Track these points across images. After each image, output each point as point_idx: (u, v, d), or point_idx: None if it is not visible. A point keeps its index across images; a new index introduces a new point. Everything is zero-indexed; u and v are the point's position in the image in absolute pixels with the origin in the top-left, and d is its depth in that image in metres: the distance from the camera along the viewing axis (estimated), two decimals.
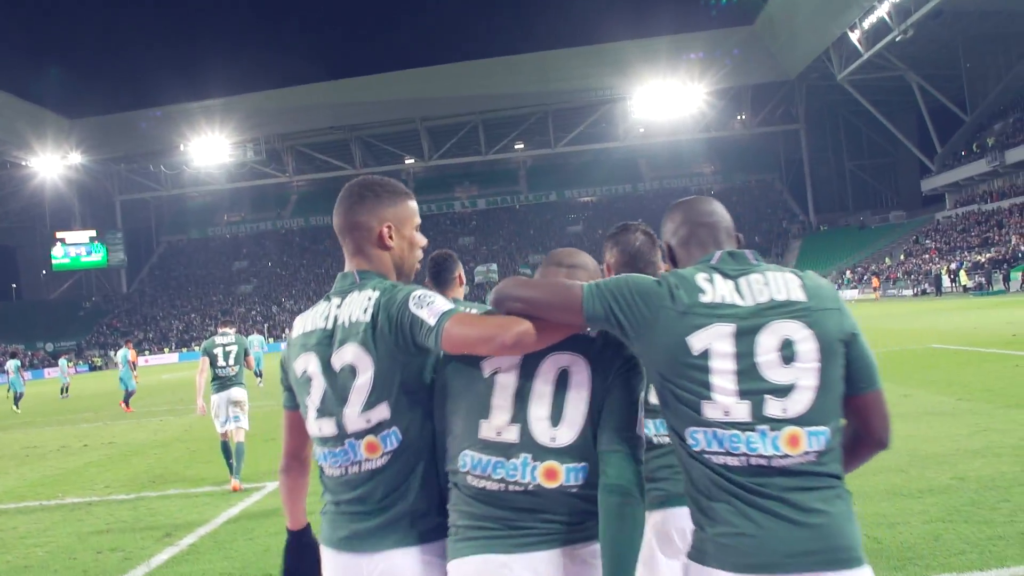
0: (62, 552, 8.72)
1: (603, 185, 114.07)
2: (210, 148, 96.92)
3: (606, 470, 2.51)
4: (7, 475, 14.75)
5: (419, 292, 2.75)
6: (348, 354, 2.74)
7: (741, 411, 2.46)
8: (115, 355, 38.66)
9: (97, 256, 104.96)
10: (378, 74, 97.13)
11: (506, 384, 2.63)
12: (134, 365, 43.49)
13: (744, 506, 2.43)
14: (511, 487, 2.58)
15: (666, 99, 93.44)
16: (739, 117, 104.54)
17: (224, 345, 11.77)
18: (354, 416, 2.74)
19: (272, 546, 8.07)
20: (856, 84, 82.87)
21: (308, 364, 2.85)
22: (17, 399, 31.92)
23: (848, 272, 77.81)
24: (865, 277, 73.26)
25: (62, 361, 40.43)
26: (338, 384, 2.76)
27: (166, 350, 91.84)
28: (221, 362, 11.72)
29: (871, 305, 55.23)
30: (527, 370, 2.62)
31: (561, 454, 2.57)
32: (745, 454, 2.44)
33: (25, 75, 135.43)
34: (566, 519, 2.56)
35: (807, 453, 2.45)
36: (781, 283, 2.63)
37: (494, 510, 2.59)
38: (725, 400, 2.46)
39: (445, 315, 2.63)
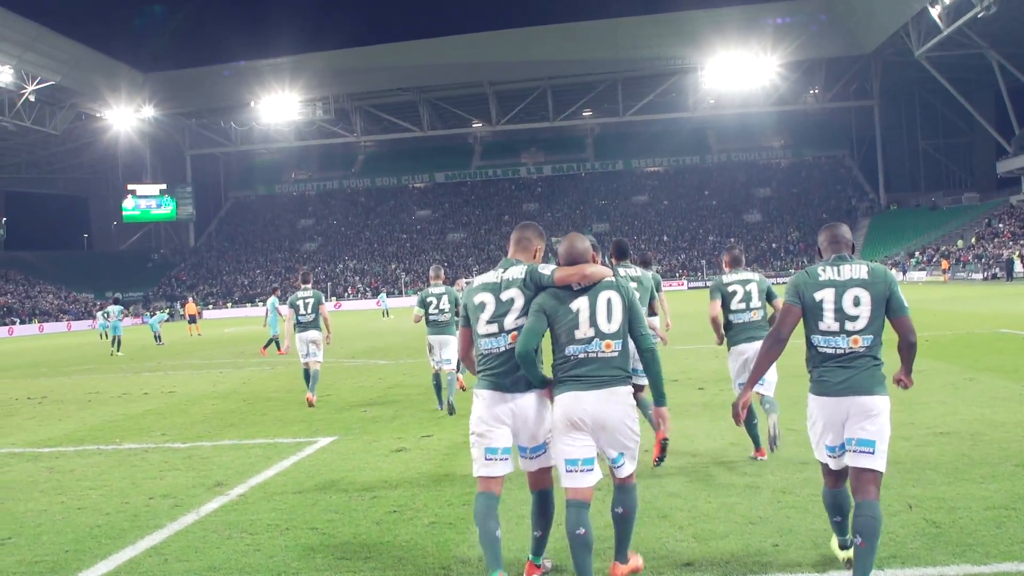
0: (115, 496, 8.75)
1: (670, 156, 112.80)
2: (279, 105, 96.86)
3: (643, 343, 5.66)
4: (69, 419, 14.91)
5: (541, 266, 5.81)
6: (511, 292, 5.80)
7: (835, 327, 5.59)
8: (264, 303, 40.01)
9: (166, 209, 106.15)
10: (448, 36, 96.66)
11: (583, 312, 5.61)
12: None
13: (830, 367, 5.60)
14: (590, 355, 5.57)
15: (737, 71, 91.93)
16: (811, 91, 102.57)
17: (304, 298, 15.02)
18: (511, 322, 5.77)
19: (320, 501, 8.08)
20: (934, 61, 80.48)
21: (484, 298, 5.86)
22: (118, 343, 33.47)
23: (917, 253, 76.34)
24: (934, 259, 71.74)
25: (160, 314, 42.36)
26: (502, 306, 5.80)
27: (229, 304, 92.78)
28: (302, 311, 14.95)
29: (939, 288, 53.76)
30: (591, 302, 5.63)
31: (611, 336, 5.60)
32: (835, 347, 5.59)
33: (100, 28, 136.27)
34: (610, 372, 5.58)
35: (862, 347, 5.57)
36: (856, 269, 5.69)
37: (579, 369, 5.57)
38: (828, 321, 5.62)
39: (554, 270, 5.70)
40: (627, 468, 5.63)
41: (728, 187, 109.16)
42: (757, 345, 8.82)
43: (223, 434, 12.44)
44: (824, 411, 5.59)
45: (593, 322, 5.58)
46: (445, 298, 13.58)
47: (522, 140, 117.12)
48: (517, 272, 5.83)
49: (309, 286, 15.10)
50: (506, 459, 5.73)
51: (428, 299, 13.54)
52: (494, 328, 5.79)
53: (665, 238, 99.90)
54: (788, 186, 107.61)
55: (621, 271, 8.87)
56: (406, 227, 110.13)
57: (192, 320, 47.88)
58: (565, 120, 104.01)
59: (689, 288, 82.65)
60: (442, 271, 13.84)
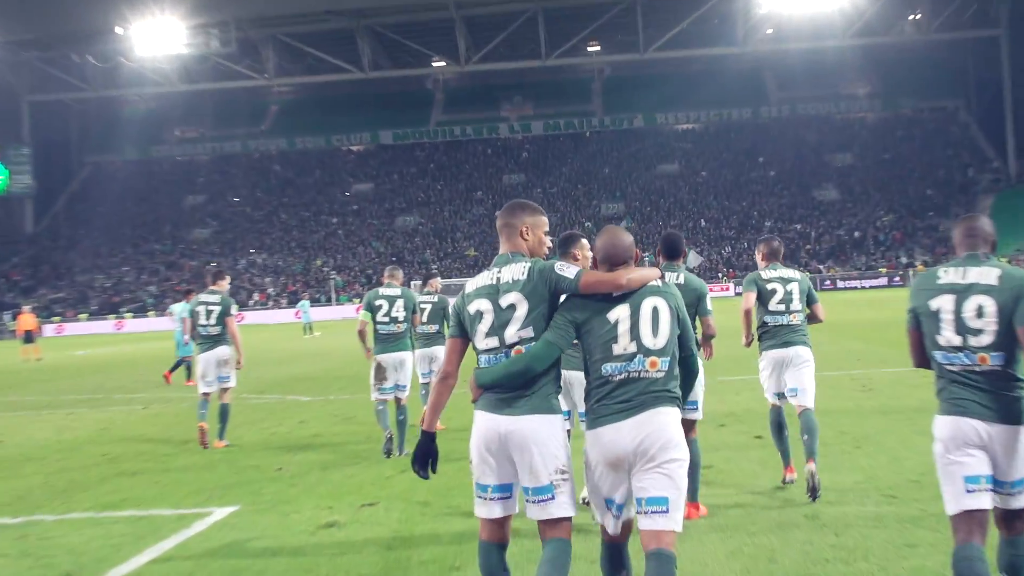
0: None
1: (711, 108, 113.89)
2: (158, 33, 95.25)
3: (690, 363, 6.49)
4: None
5: (560, 263, 6.40)
6: (511, 297, 6.35)
7: (956, 341, 6.37)
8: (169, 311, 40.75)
9: None
10: None
11: (624, 323, 6.26)
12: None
13: (958, 387, 6.42)
14: (631, 374, 6.19)
15: None
16: (911, 17, 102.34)
17: (208, 303, 15.91)
18: (512, 335, 6.32)
19: None
20: None
21: (481, 305, 6.44)
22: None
23: None
24: None
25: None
26: (502, 315, 6.37)
27: (82, 316, 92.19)
28: (204, 320, 15.64)
29: None
30: (633, 310, 6.27)
31: (657, 353, 6.24)
32: (959, 363, 6.39)
33: None
34: (654, 393, 6.19)
35: (994, 365, 6.32)
36: (986, 273, 6.37)
37: (618, 393, 6.21)
38: (948, 335, 6.41)
39: (579, 273, 6.28)
40: (671, 520, 6.05)
41: (792, 152, 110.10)
42: (795, 351, 10.81)
43: (73, 504, 12.28)
44: (959, 430, 6.46)
45: (635, 335, 6.24)
46: (400, 303, 14.44)
47: (502, 86, 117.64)
48: (517, 271, 6.44)
49: (219, 288, 16.07)
50: (502, 499, 6.40)
51: (377, 302, 14.47)
52: (494, 342, 6.42)
53: (703, 223, 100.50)
54: (877, 151, 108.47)
55: (668, 275, 9.56)
56: (338, 207, 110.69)
57: (28, 339, 47.63)
58: (563, 58, 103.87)
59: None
60: (400, 273, 14.86)
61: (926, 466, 10.82)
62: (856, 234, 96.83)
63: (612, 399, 6.17)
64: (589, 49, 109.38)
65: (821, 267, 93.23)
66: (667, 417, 6.13)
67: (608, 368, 6.19)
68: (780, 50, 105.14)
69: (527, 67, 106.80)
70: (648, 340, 6.19)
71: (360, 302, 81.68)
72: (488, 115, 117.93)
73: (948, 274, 6.49)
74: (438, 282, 17.01)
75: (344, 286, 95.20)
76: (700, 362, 7.32)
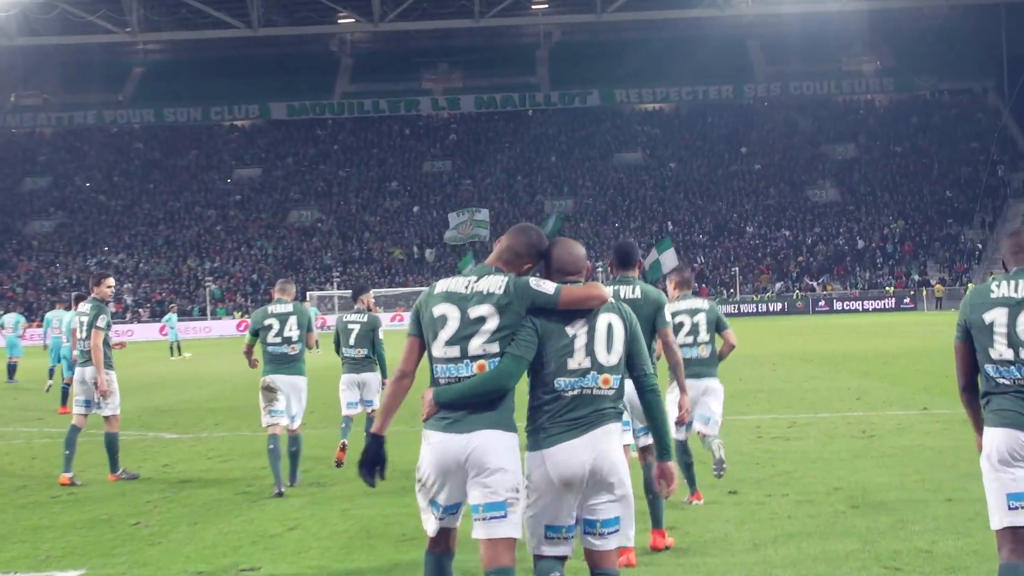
0: None
1: (684, 84, 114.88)
2: None
3: (646, 382, 7.38)
4: None
5: (534, 279, 7.24)
6: (483, 310, 7.13)
7: (1008, 355, 7.44)
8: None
9: None
10: None
11: (580, 338, 7.15)
12: None
13: (1010, 399, 7.46)
14: (584, 391, 7.08)
15: None
16: None
17: (85, 315, 16.92)
18: (476, 347, 7.11)
19: None
20: None
21: (446, 310, 7.23)
22: None
23: None
24: None
25: None
26: (468, 326, 7.14)
27: None
28: (83, 334, 16.92)
29: None
30: (591, 326, 7.19)
31: (610, 371, 7.19)
32: (1010, 377, 7.44)
33: None
34: (603, 409, 7.16)
35: None
36: None
37: (572, 410, 7.08)
38: (1000, 348, 7.49)
39: (559, 289, 7.16)
40: (622, 538, 7.24)
41: (782, 141, 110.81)
42: (705, 384, 13.03)
43: None
44: (1006, 442, 7.41)
45: (590, 351, 7.16)
46: (293, 320, 15.35)
47: (425, 51, 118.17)
48: (494, 284, 7.24)
49: (98, 296, 17.13)
50: (451, 516, 7.31)
51: (266, 322, 15.40)
52: (455, 352, 7.20)
53: (671, 226, 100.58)
54: (887, 140, 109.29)
55: (622, 288, 10.76)
56: (217, 197, 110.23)
57: None
58: (500, 17, 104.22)
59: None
60: (292, 287, 15.72)
61: (938, 530, 11.25)
62: (859, 244, 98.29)
63: (564, 416, 7.03)
64: (534, 7, 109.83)
65: (815, 284, 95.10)
66: (616, 435, 7.16)
67: (561, 383, 7.06)
68: (769, 15, 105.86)
69: (456, 28, 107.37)
70: (602, 356, 7.11)
71: (244, 316, 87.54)
72: (407, 86, 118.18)
73: (1001, 287, 7.52)
74: (370, 297, 17.61)
75: (223, 296, 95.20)
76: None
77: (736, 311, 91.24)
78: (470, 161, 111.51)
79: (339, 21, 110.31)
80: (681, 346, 12.02)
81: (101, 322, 16.69)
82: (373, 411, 15.89)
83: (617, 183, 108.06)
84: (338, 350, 17.33)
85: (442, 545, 7.34)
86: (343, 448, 16.71)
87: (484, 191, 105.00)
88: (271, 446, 14.98)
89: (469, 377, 7.11)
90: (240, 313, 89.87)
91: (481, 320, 7.09)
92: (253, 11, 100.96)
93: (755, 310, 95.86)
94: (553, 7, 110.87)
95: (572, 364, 7.04)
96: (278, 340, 15.18)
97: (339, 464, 16.70)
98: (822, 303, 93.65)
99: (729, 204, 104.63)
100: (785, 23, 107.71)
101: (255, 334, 15.37)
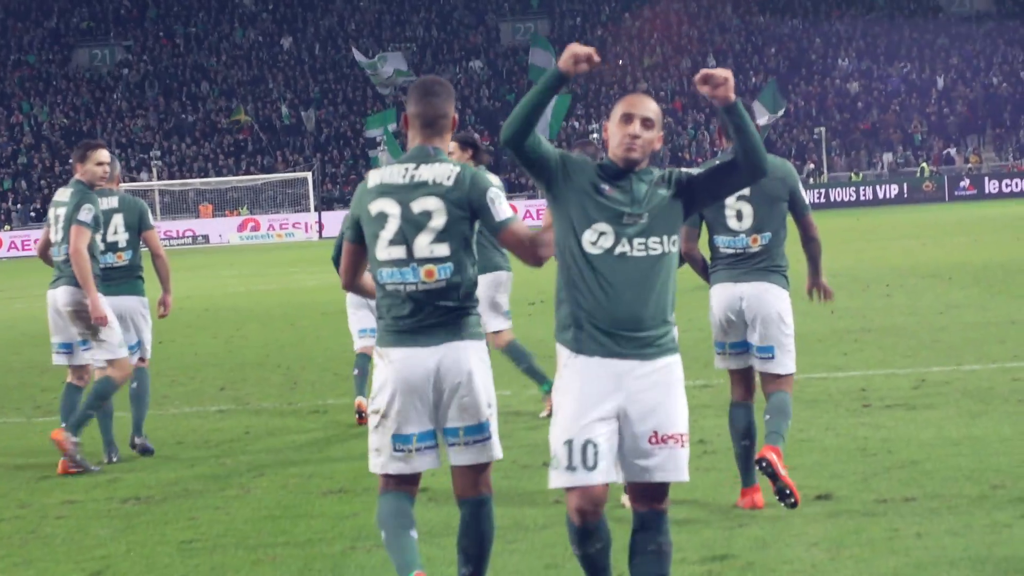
0: None
1: None
2: None
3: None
4: None
5: (495, 189, 7.44)
6: (429, 203, 7.27)
7: None
8: None
9: None
10: None
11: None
12: None
13: None
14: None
15: None
16: None
17: (59, 204, 15.27)
18: (423, 247, 7.24)
19: None
20: None
21: (385, 206, 7.37)
22: None
23: None
24: None
25: None
26: (413, 221, 7.30)
27: None
28: (56, 235, 15.00)
29: None
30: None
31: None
32: None
33: None
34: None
35: None
36: None
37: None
38: None
39: (510, 219, 7.34)
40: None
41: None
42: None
43: None
44: None
45: None
46: (120, 219, 14.80)
47: None
48: (441, 173, 7.47)
49: (84, 177, 15.16)
50: (428, 448, 7.60)
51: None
52: (400, 252, 7.46)
53: (712, 62, 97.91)
54: None
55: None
56: None
57: None
58: None
59: None
60: (116, 166, 15.03)
61: None
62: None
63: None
64: None
65: (953, 152, 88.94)
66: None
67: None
68: None
69: None
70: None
71: (8, 228, 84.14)
72: None
73: None
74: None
75: None
76: None
77: (822, 198, 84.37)
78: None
79: None
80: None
81: (85, 215, 14.30)
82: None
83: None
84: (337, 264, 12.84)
85: (410, 485, 7.59)
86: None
87: (400, 11, 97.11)
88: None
89: (416, 283, 7.39)
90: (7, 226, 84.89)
91: (427, 215, 7.38)
92: None
93: (854, 197, 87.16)
94: None
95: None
96: (100, 247, 14.28)
97: (360, 416, 15.44)
98: (965, 183, 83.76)
99: (804, 19, 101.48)
100: None
101: (95, 225, 14.12)
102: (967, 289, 29.67)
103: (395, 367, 7.28)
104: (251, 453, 14.43)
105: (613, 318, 7.13)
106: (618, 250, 7.28)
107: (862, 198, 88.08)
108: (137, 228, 14.65)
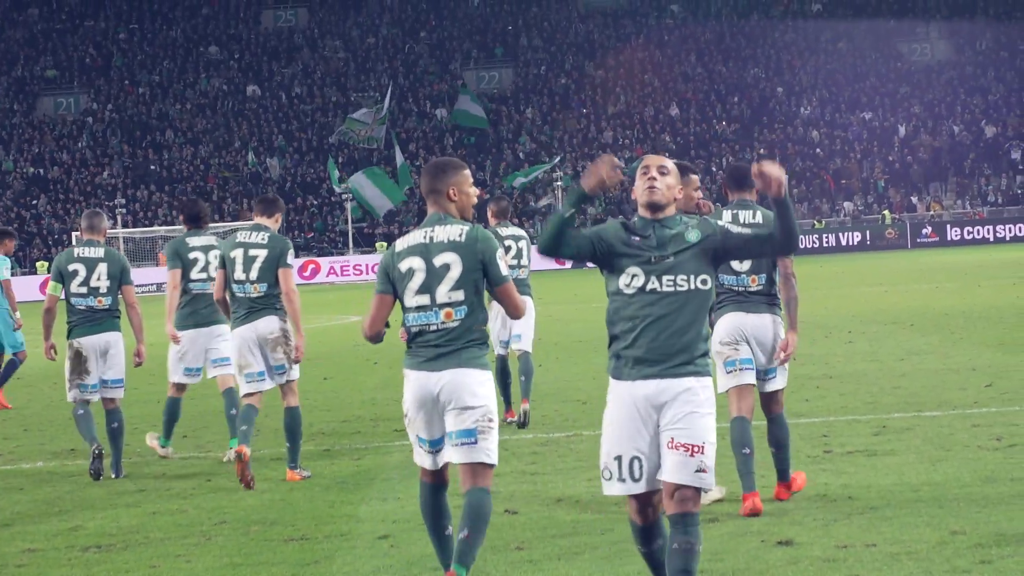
0: None
1: None
2: None
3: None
4: None
5: (501, 251, 9.54)
6: (446, 257, 9.24)
7: None
8: None
9: None
10: None
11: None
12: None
13: None
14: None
15: None
16: None
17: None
18: (443, 294, 9.22)
19: None
20: None
21: (412, 262, 9.31)
22: None
23: None
24: None
25: None
26: (435, 273, 9.25)
27: None
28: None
29: None
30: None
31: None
32: None
33: None
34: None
35: None
36: None
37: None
38: None
39: (508, 277, 9.59)
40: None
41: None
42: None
43: None
44: None
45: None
46: (103, 268, 15.88)
47: None
48: (452, 232, 9.28)
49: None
50: (439, 451, 9.44)
51: (71, 267, 15.93)
52: (425, 300, 9.34)
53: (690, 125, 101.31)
54: None
55: (740, 213, 13.84)
56: None
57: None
58: None
59: None
60: (103, 219, 16.65)
61: None
62: (986, 132, 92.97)
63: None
64: None
65: (915, 200, 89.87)
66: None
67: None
68: None
69: None
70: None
71: None
72: None
73: None
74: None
75: None
76: None
77: None
78: (336, 8, 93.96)
79: None
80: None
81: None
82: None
83: (585, 38, 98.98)
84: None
85: (436, 477, 9.42)
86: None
87: (364, 60, 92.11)
88: (79, 412, 15.72)
89: (437, 324, 9.23)
90: None
91: (446, 267, 9.17)
92: None
93: (817, 244, 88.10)
94: None
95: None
96: (83, 291, 15.70)
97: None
98: (927, 231, 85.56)
99: (767, 68, 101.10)
100: None
101: (58, 278, 15.78)
102: (928, 336, 30.27)
103: (411, 386, 9.22)
104: (213, 500, 14.63)
105: (646, 346, 8.37)
106: (648, 287, 8.70)
107: (825, 245, 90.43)
108: (118, 279, 15.65)
